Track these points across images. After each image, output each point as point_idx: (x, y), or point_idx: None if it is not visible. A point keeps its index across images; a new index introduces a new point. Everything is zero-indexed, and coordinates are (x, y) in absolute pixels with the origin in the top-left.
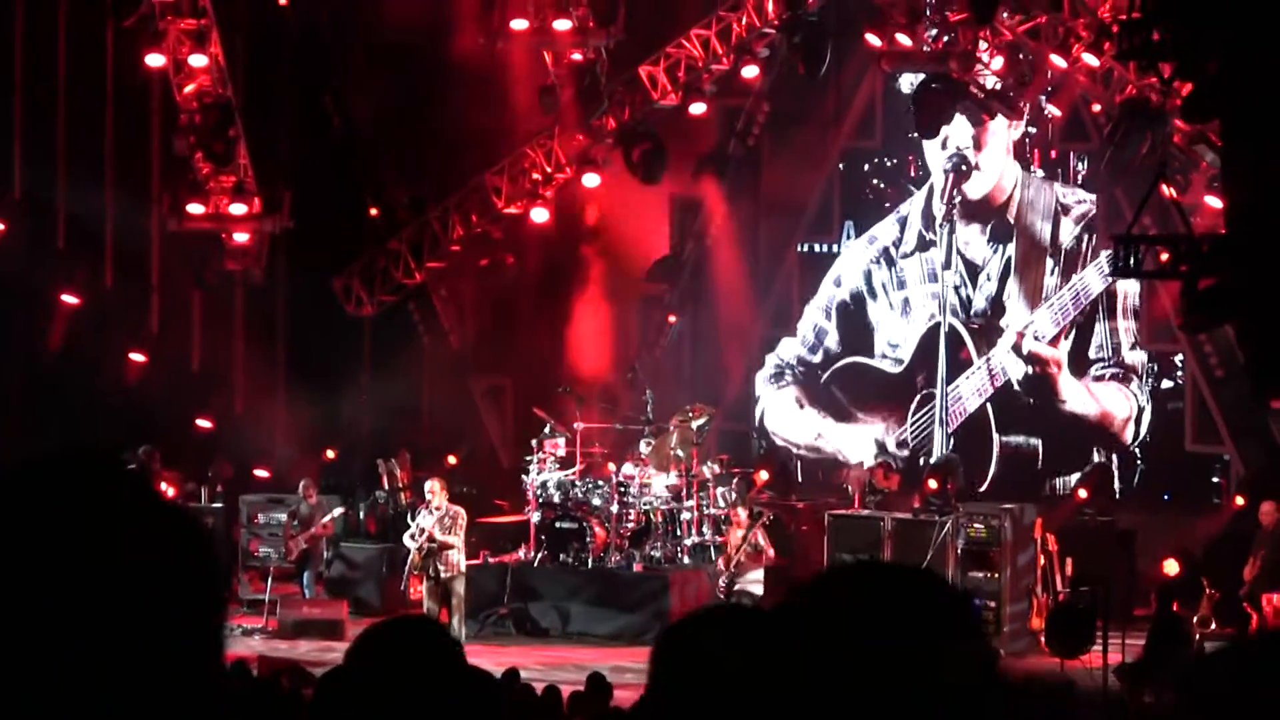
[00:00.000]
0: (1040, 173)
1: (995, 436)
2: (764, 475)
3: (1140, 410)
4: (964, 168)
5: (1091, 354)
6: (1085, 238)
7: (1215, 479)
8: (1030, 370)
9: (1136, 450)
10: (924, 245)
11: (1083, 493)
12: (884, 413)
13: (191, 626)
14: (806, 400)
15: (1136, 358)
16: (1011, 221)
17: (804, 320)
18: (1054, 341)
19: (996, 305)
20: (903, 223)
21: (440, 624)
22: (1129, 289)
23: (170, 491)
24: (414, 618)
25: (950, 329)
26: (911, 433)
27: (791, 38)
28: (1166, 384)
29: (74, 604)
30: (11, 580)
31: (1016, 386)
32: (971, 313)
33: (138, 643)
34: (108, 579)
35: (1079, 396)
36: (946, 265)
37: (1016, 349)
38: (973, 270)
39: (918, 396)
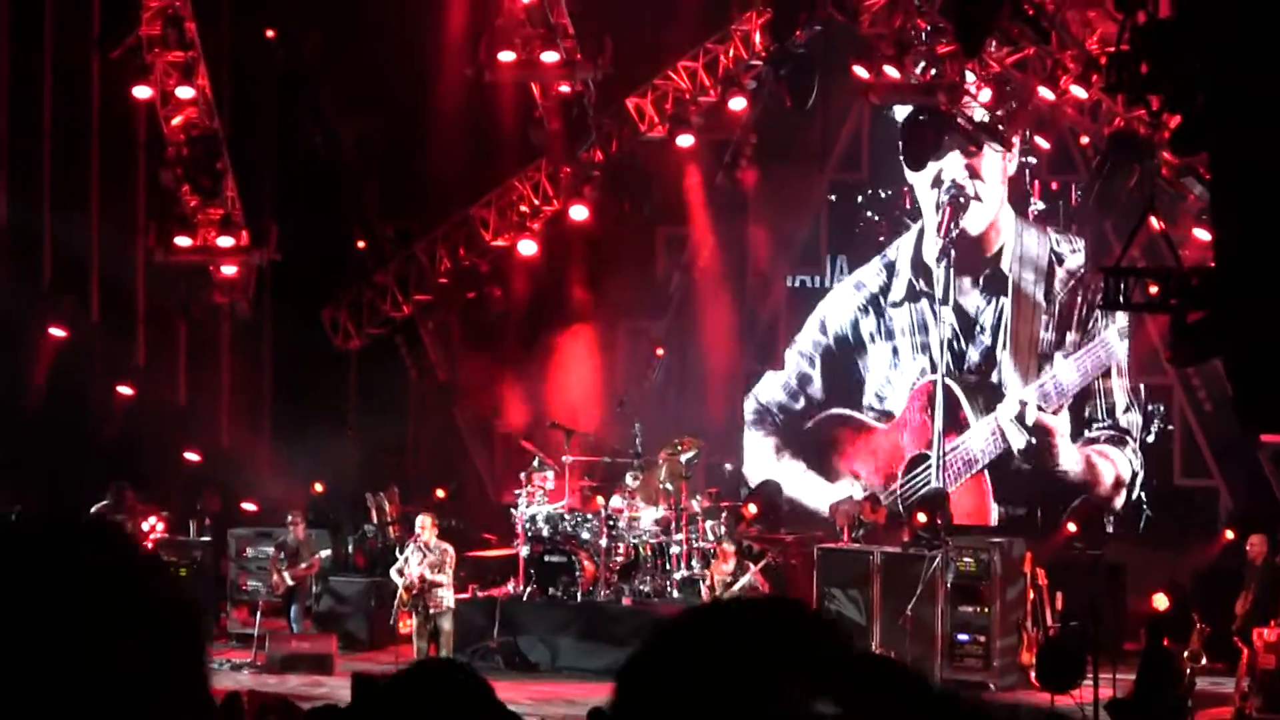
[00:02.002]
0: (1039, 204)
1: (993, 507)
2: (752, 509)
3: (1134, 475)
4: (961, 199)
5: (1087, 414)
6: (1080, 292)
7: (1204, 513)
8: (1031, 440)
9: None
10: (914, 295)
11: (1071, 527)
12: (870, 467)
13: (170, 674)
14: (788, 450)
15: (1132, 419)
16: (1006, 272)
17: (787, 364)
18: (1056, 409)
19: (990, 360)
20: (890, 268)
21: (470, 667)
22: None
23: (159, 525)
24: (444, 661)
25: (945, 386)
26: (902, 494)
27: (778, 70)
28: (1153, 438)
29: (52, 660)
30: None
31: (1016, 455)
32: (965, 368)
33: (118, 694)
34: (84, 635)
35: (1075, 463)
36: (944, 301)
37: (1020, 418)
38: (966, 322)
39: (908, 457)
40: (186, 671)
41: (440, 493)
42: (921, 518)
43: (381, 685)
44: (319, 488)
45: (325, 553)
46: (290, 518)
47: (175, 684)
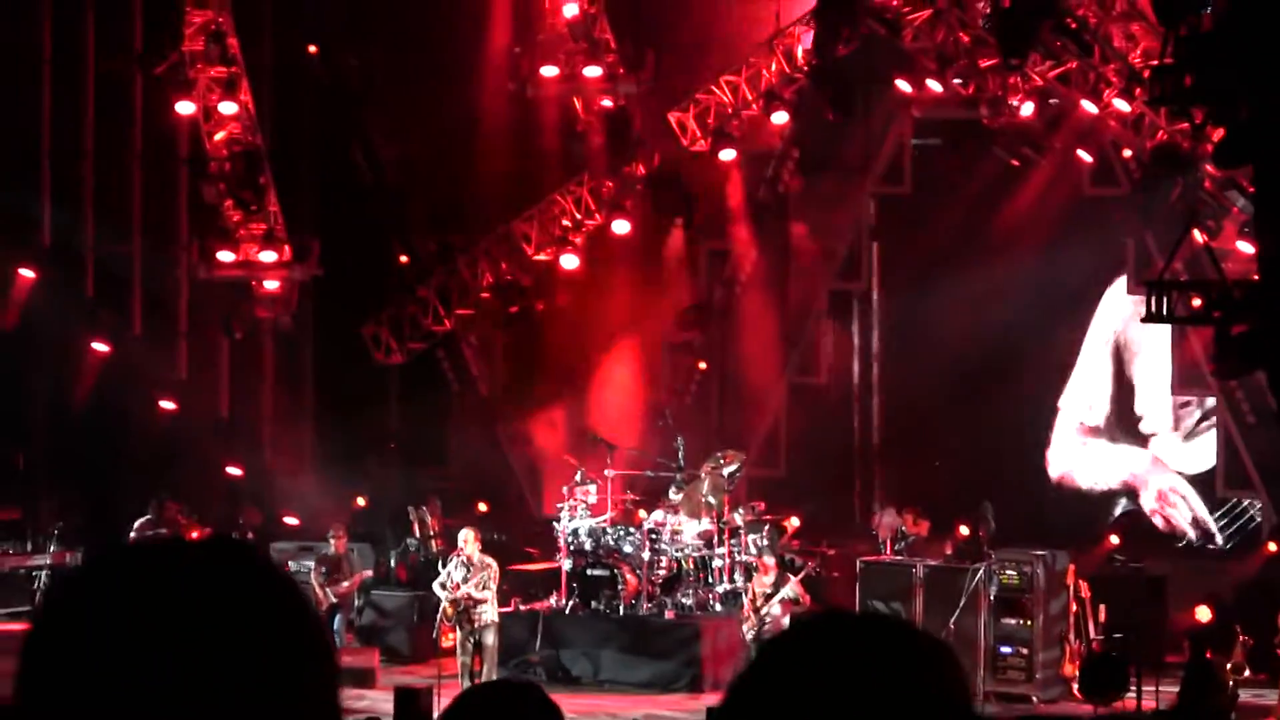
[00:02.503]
0: None
1: None
2: (795, 522)
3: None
4: None
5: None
6: None
7: (1247, 525)
8: None
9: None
10: None
11: (1114, 539)
12: None
13: (314, 700)
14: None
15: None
16: None
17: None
18: None
19: None
20: None
21: (541, 689)
22: None
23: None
24: (514, 682)
25: None
26: None
27: (821, 84)
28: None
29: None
30: (148, 656)
31: None
32: None
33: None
34: (254, 654)
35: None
36: None
37: None
38: None
39: None
40: (331, 695)
41: (482, 506)
42: (964, 530)
43: (455, 700)
44: (361, 501)
45: (367, 573)
46: (331, 532)
47: (322, 701)
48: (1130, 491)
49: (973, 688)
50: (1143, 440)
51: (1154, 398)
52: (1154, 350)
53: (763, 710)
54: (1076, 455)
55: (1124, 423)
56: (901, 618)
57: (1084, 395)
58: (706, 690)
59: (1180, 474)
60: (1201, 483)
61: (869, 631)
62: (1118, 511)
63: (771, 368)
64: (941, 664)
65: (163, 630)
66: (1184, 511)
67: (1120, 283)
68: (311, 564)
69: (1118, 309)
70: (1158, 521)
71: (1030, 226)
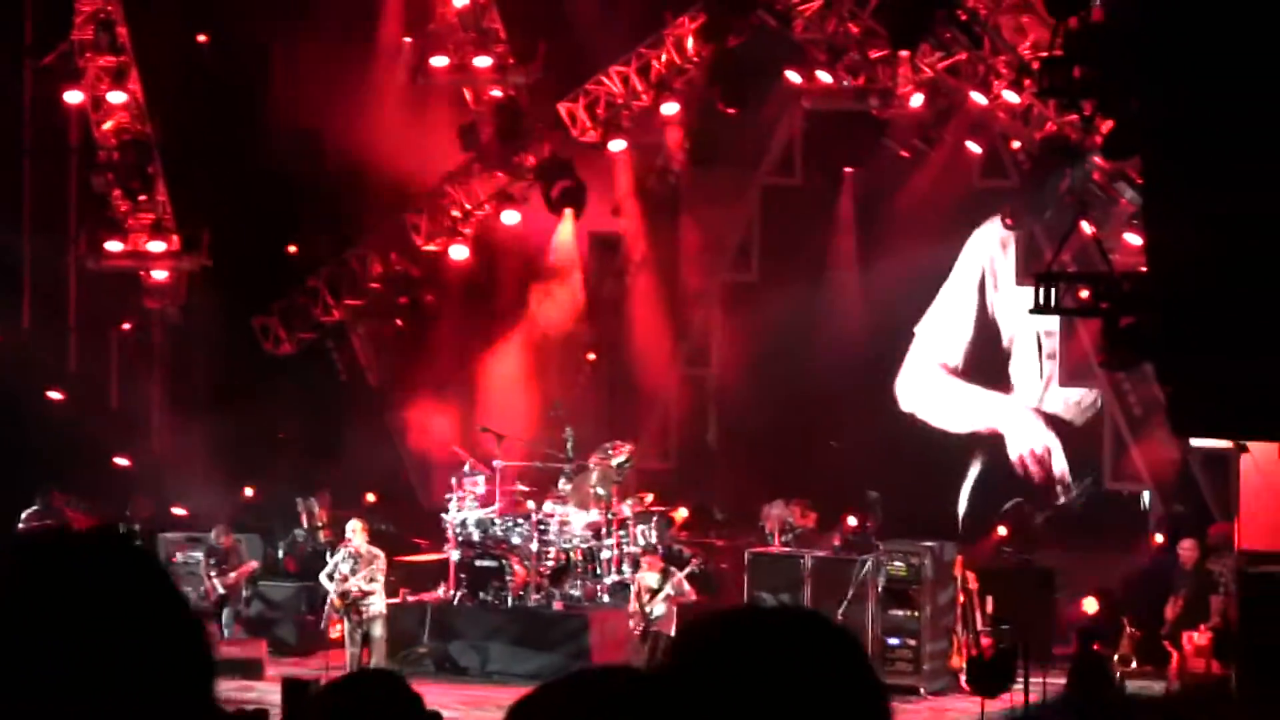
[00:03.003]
0: None
1: None
2: (683, 513)
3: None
4: None
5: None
6: None
7: (1134, 517)
8: None
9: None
10: None
11: (1002, 530)
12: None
13: (191, 693)
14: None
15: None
16: None
17: None
18: None
19: None
20: None
21: (402, 679)
22: None
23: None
24: (376, 672)
25: None
26: None
27: (711, 74)
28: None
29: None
30: (33, 645)
31: None
32: None
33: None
34: (118, 647)
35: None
36: None
37: None
38: None
39: None
40: (206, 682)
41: (371, 497)
42: (852, 521)
43: (315, 694)
44: (249, 492)
45: (255, 564)
46: (215, 530)
47: (199, 694)
48: (994, 438)
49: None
50: (1005, 384)
51: (1022, 342)
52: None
53: (687, 708)
54: (932, 392)
55: (987, 365)
56: (803, 608)
57: (944, 332)
58: None
59: (1042, 414)
60: (1066, 432)
61: (776, 624)
62: (1006, 505)
63: (662, 359)
64: (856, 655)
65: (43, 621)
66: (1055, 463)
67: (990, 226)
68: (200, 555)
69: (985, 248)
70: (1026, 471)
71: (921, 218)
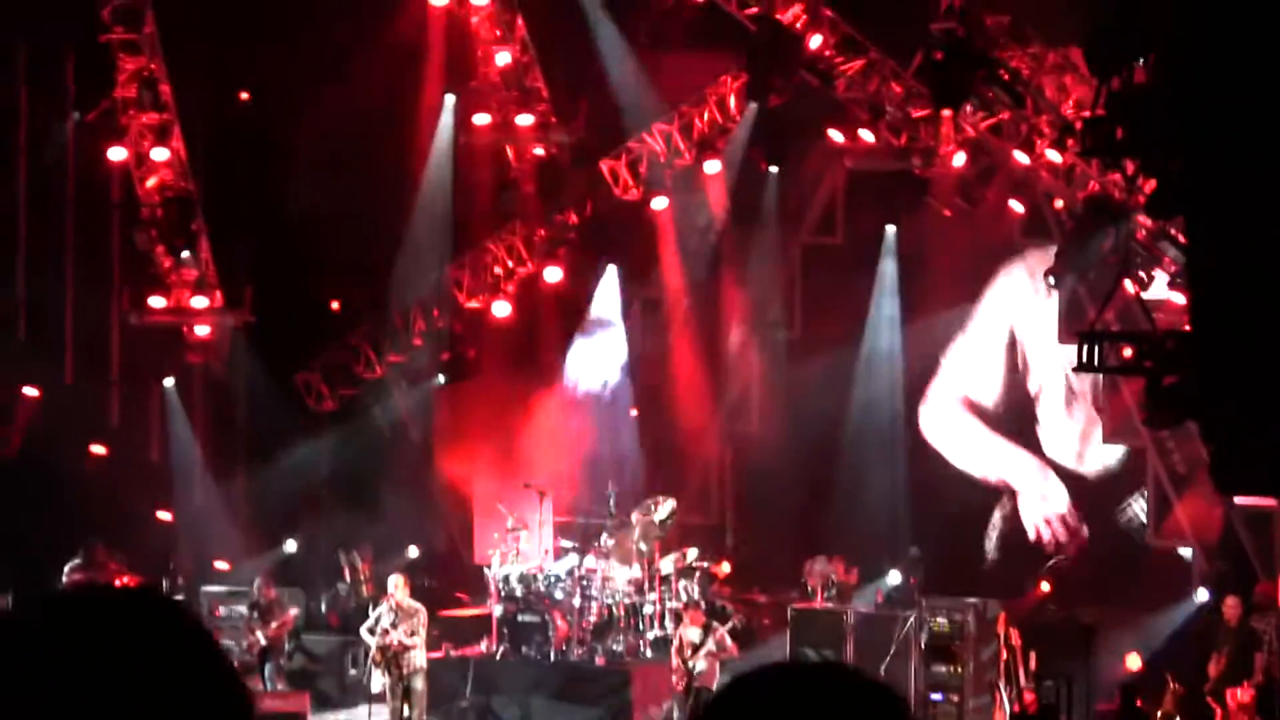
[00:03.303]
0: None
1: None
2: (725, 568)
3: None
4: None
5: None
6: None
7: (1178, 575)
8: None
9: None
10: None
11: (1045, 586)
12: None
13: None
14: None
15: None
16: None
17: None
18: None
19: None
20: None
21: None
22: None
23: (130, 583)
24: None
25: None
26: None
27: (753, 133)
28: None
29: None
30: (71, 701)
31: None
32: None
33: None
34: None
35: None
36: None
37: None
38: None
39: None
40: None
41: (414, 551)
42: (894, 578)
43: None
44: (292, 546)
45: (295, 610)
46: (257, 583)
47: None
48: (1007, 491)
49: None
50: (1029, 440)
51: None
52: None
53: None
54: (952, 426)
55: (1014, 415)
56: (846, 665)
57: (971, 370)
58: None
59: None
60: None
61: (818, 680)
62: (1050, 561)
63: (704, 414)
64: (899, 710)
65: (80, 676)
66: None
67: (1018, 271)
68: (243, 609)
69: (1014, 297)
70: (1034, 529)
71: (963, 275)
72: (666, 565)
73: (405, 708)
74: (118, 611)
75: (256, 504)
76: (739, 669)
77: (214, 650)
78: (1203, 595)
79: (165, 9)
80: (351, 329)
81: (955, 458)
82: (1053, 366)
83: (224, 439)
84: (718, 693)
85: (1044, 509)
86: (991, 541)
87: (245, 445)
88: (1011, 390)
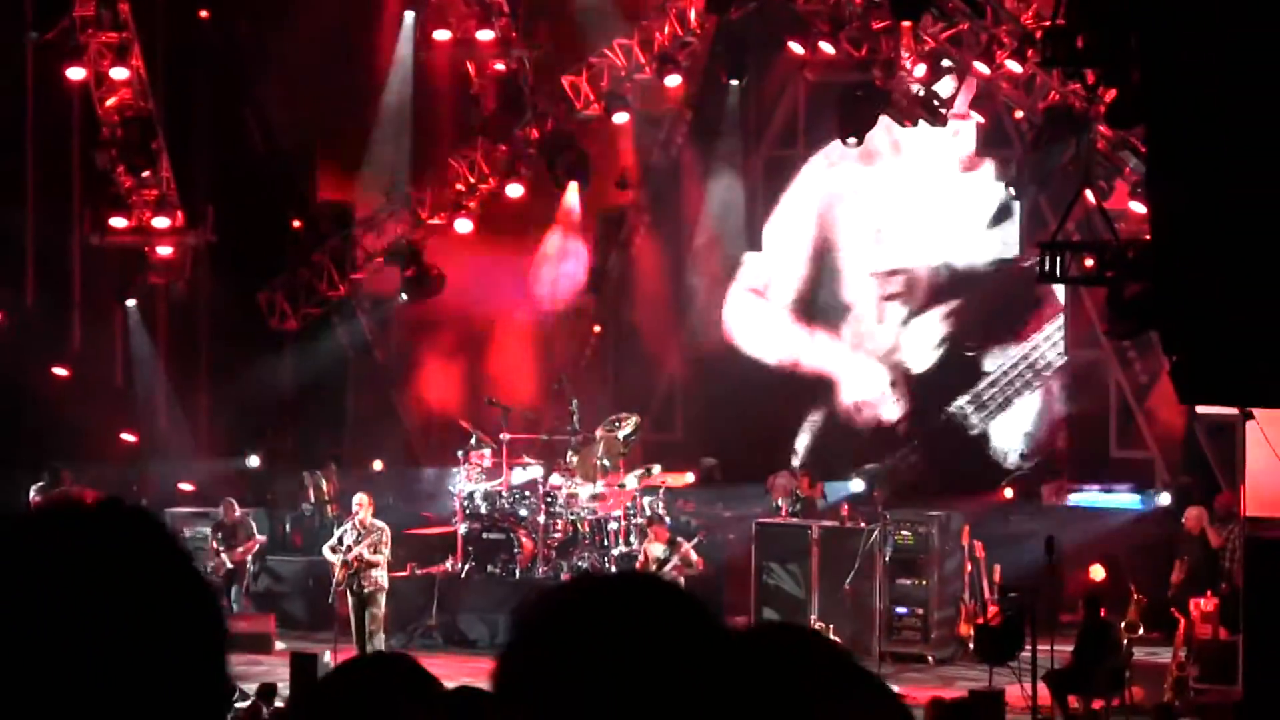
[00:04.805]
0: None
1: None
2: (689, 478)
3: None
4: None
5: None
6: None
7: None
8: None
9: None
10: None
11: (1008, 492)
12: None
13: (203, 664)
14: None
15: None
16: None
17: None
18: None
19: None
20: None
21: (412, 659)
22: None
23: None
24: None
25: None
26: None
27: (714, 46)
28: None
29: (100, 640)
30: (44, 613)
31: None
32: None
33: (154, 680)
34: (130, 619)
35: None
36: None
37: None
38: None
39: None
40: (218, 654)
41: (378, 464)
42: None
43: (324, 678)
44: (255, 462)
45: (262, 539)
46: (223, 503)
47: (211, 666)
48: (826, 381)
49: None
50: (833, 325)
51: (858, 283)
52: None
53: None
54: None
55: (819, 302)
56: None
57: (770, 264)
58: None
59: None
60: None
61: (615, 590)
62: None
63: (667, 331)
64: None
65: (54, 589)
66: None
67: (831, 149)
68: (208, 530)
69: (823, 182)
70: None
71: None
72: (631, 481)
73: (365, 626)
74: (87, 522)
75: (220, 425)
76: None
77: (184, 557)
78: (1165, 499)
79: None
80: (314, 247)
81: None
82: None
83: (187, 360)
84: (525, 605)
85: (863, 392)
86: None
87: (208, 366)
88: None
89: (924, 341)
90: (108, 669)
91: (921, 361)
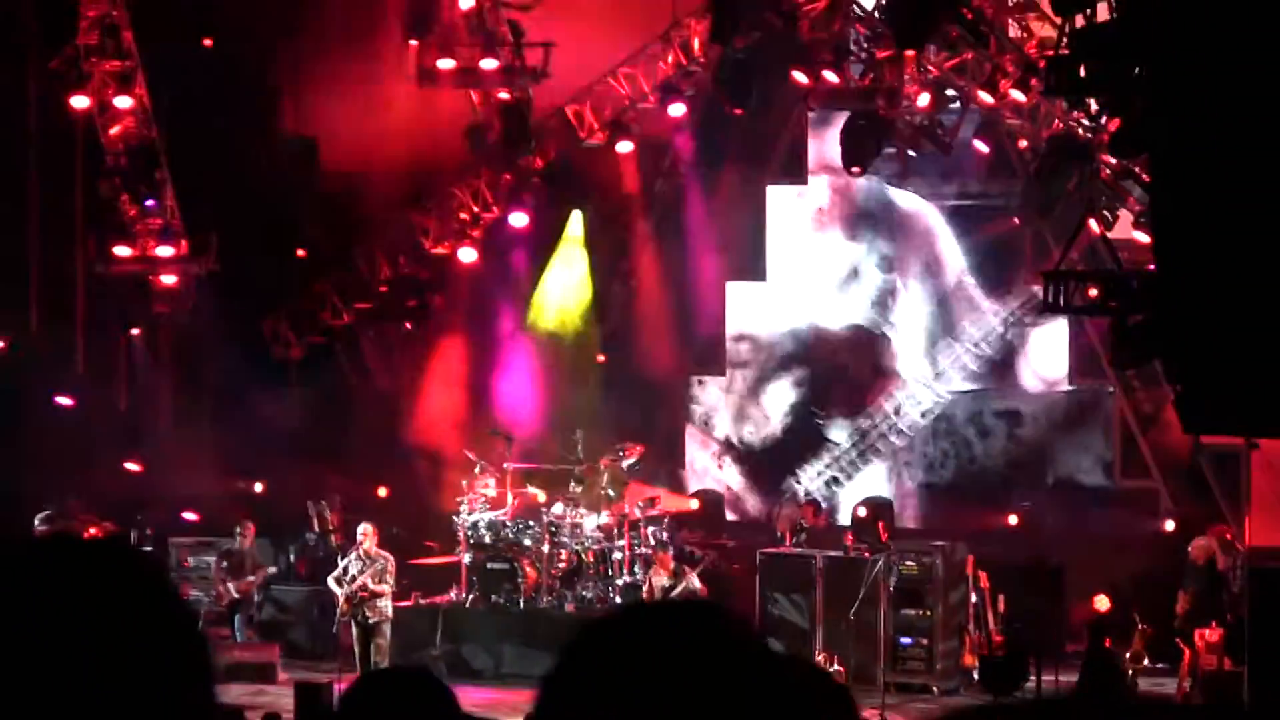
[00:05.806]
0: None
1: None
2: (694, 504)
3: None
4: None
5: None
6: None
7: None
8: None
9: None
10: None
11: (1013, 519)
12: None
13: (185, 699)
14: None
15: None
16: None
17: None
18: None
19: None
20: None
21: (435, 675)
22: None
23: (99, 534)
24: (411, 669)
25: None
26: None
27: (718, 76)
28: None
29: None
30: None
31: None
32: None
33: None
34: (110, 659)
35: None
36: None
37: None
38: None
39: None
40: (206, 691)
41: (382, 491)
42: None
43: (345, 693)
44: (259, 488)
45: (271, 569)
46: (239, 528)
47: (198, 704)
48: None
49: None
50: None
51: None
52: None
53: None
54: None
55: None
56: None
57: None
58: None
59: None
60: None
61: (670, 619)
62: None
63: (671, 359)
64: (749, 642)
65: (40, 624)
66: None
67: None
68: (212, 559)
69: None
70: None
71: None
72: (638, 511)
73: (370, 656)
74: (77, 560)
75: (224, 453)
76: None
77: (175, 601)
78: (1169, 525)
79: None
80: (317, 276)
81: None
82: None
83: (191, 388)
84: (575, 635)
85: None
86: None
87: (212, 394)
88: None
89: None
90: (88, 703)
91: None
